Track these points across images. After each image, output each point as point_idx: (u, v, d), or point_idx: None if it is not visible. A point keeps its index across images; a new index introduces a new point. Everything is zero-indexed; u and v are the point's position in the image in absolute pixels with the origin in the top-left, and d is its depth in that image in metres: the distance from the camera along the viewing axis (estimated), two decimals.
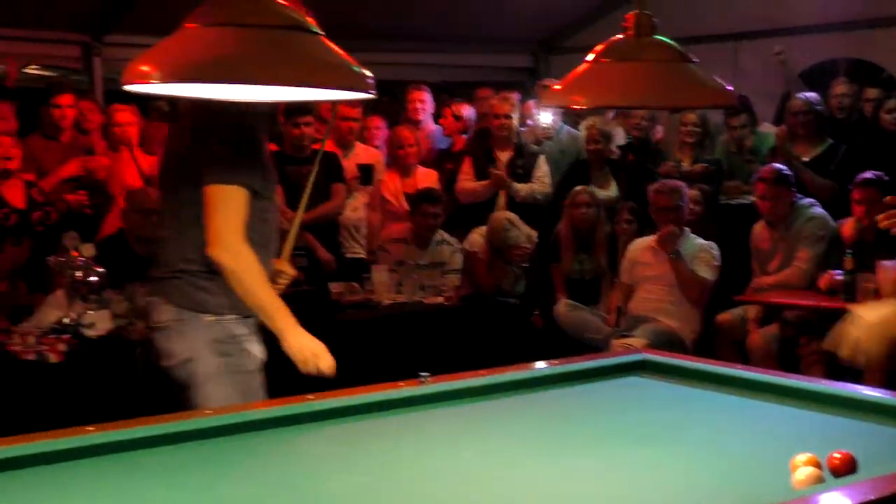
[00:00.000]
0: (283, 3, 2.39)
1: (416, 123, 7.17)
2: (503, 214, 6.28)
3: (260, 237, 3.04)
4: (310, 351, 2.92)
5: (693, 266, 5.71)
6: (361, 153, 6.51)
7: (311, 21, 2.36)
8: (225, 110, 2.95)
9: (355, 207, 6.33)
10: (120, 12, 6.89)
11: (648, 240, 5.92)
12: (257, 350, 3.12)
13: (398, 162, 6.60)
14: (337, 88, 2.37)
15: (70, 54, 7.37)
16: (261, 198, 3.02)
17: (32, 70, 8.67)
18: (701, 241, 5.84)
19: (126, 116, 6.14)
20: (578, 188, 6.31)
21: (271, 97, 2.62)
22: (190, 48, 2.26)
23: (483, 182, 6.57)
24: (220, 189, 2.92)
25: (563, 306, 6.09)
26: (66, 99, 6.24)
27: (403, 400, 2.81)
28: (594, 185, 6.48)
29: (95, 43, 7.20)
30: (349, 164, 6.31)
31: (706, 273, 5.73)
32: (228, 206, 2.92)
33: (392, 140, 6.69)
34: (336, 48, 2.35)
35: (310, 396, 2.80)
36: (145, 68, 2.23)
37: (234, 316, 3.04)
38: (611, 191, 6.66)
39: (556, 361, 3.23)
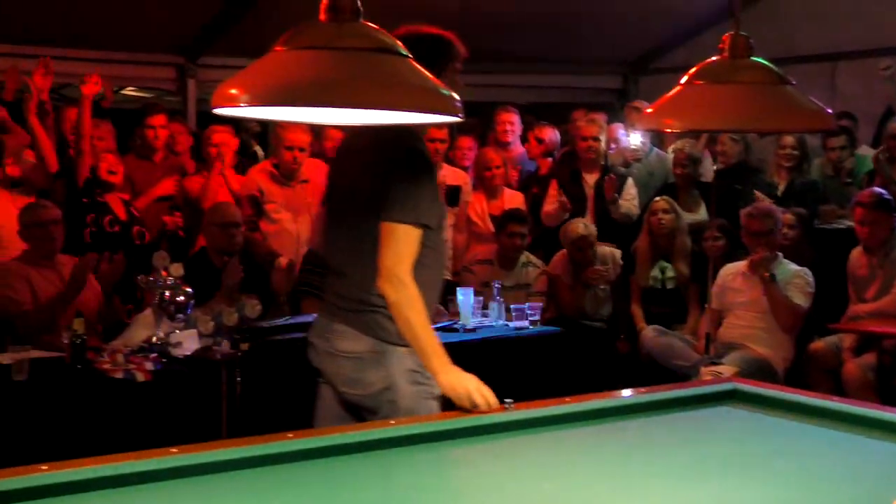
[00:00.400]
0: (374, 26, 2.38)
1: (504, 146, 7.14)
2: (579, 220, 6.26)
3: (433, 263, 3.14)
4: (462, 388, 2.95)
5: (786, 292, 5.56)
6: (449, 174, 6.50)
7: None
8: (400, 141, 3.01)
9: None
10: (214, 35, 7.01)
11: (740, 265, 5.79)
12: None
13: (484, 183, 6.58)
14: (424, 112, 2.35)
15: (165, 76, 7.52)
16: (433, 230, 3.10)
17: (129, 92, 8.89)
18: (794, 266, 5.69)
19: (223, 137, 6.22)
20: (657, 198, 6.25)
21: (358, 120, 2.61)
22: (279, 71, 2.26)
23: (556, 206, 6.52)
24: (395, 227, 3.01)
25: (650, 331, 5.99)
26: (158, 119, 6.34)
27: (486, 427, 2.77)
28: (683, 208, 6.37)
29: (190, 65, 7.34)
30: None
31: (800, 299, 5.58)
32: (401, 243, 3.01)
33: (479, 161, 6.67)
34: (424, 70, 2.33)
35: (392, 422, 2.79)
36: (234, 91, 2.24)
37: None
38: (699, 214, 6.55)
39: (644, 389, 3.15)
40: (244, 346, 4.39)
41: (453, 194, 6.27)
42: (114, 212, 5.60)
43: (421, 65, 2.34)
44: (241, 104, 2.22)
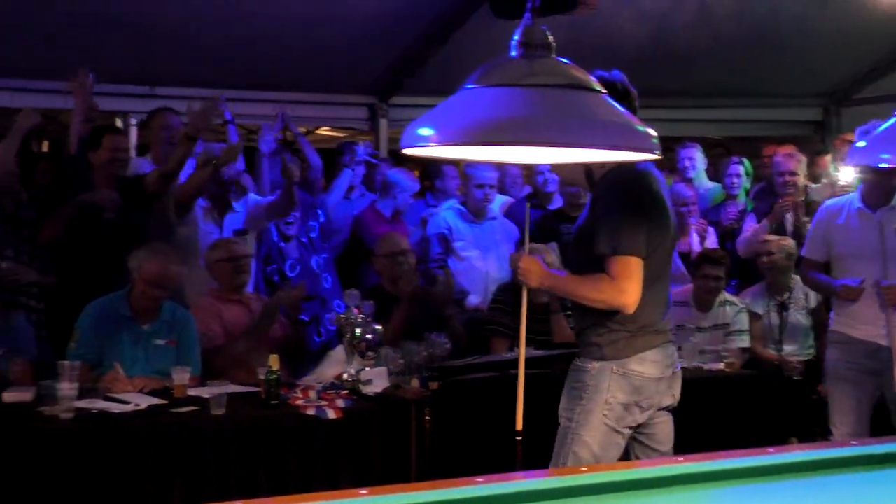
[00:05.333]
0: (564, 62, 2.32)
1: (688, 182, 6.97)
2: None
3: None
4: None
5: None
6: None
7: None
8: None
9: None
10: (404, 75, 7.11)
11: None
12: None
13: (678, 221, 6.38)
14: (620, 149, 2.27)
15: (358, 116, 7.69)
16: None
17: (323, 131, 9.16)
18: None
19: None
20: None
21: (551, 159, 2.54)
22: (470, 110, 2.22)
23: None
24: None
25: None
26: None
27: (651, 480, 2.56)
28: None
29: (381, 105, 7.46)
30: None
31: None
32: None
33: (673, 199, 6.49)
34: (618, 106, 2.26)
35: (583, 468, 2.68)
36: (425, 132, 2.21)
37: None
38: None
39: (837, 444, 2.90)
40: (434, 385, 4.37)
41: None
42: None
43: None
44: (433, 144, 2.19)
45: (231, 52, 6.24)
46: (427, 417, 4.23)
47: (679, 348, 5.37)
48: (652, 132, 2.24)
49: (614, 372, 3.44)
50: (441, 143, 2.20)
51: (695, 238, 6.45)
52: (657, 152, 2.25)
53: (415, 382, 4.41)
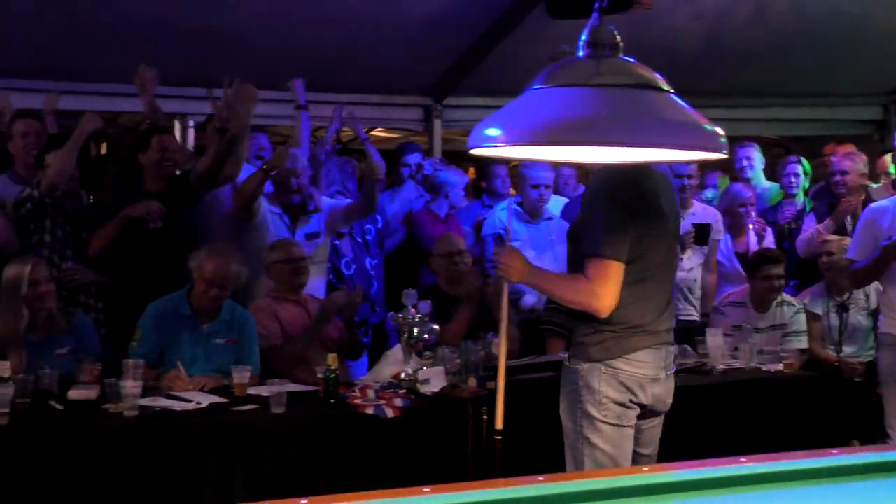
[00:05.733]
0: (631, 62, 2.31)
1: (745, 181, 6.91)
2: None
3: None
4: None
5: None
6: (699, 211, 6.30)
7: None
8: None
9: (690, 268, 6.13)
10: (458, 77, 7.13)
11: None
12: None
13: (736, 220, 6.34)
14: (687, 149, 2.26)
15: (413, 117, 7.72)
16: None
17: (377, 132, 9.20)
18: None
19: None
20: None
21: (620, 158, 2.54)
22: (538, 110, 2.22)
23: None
24: None
25: None
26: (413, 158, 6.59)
27: (721, 480, 2.55)
28: None
29: (436, 106, 7.49)
30: (683, 224, 6.13)
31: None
32: None
33: (731, 198, 6.44)
34: (686, 106, 2.24)
35: (644, 468, 2.67)
36: (494, 132, 2.21)
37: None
38: None
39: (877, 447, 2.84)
40: (491, 385, 4.37)
41: (702, 233, 6.06)
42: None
43: None
44: (501, 144, 2.19)
45: (287, 53, 6.29)
46: (484, 417, 4.22)
47: (735, 349, 5.43)
48: (720, 131, 2.23)
49: (603, 372, 3.40)
50: (509, 144, 2.20)
51: (752, 238, 6.40)
52: (725, 151, 2.24)
53: (472, 382, 4.41)
